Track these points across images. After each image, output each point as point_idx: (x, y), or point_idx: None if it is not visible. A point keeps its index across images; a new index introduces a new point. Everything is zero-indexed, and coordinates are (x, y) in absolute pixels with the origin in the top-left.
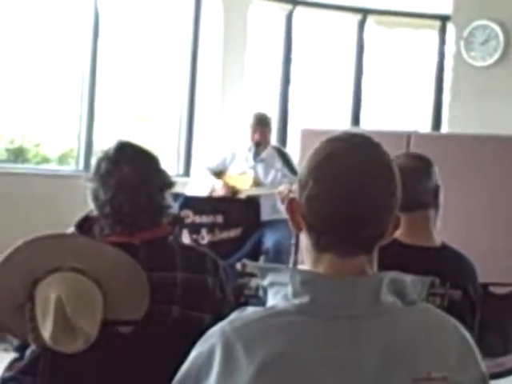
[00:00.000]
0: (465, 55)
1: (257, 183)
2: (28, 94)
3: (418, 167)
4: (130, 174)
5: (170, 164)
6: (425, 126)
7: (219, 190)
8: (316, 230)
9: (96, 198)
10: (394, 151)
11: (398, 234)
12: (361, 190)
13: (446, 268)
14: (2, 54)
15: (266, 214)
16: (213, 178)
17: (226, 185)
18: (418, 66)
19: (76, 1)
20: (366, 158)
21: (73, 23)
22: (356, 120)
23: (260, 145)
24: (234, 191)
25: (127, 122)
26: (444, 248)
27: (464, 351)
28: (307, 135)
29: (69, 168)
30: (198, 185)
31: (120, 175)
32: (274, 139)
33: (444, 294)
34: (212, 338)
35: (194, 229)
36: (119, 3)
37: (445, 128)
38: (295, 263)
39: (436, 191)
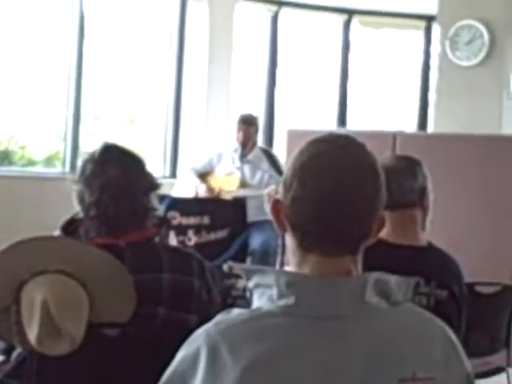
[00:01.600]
0: (450, 55)
1: (243, 184)
2: (13, 96)
3: (403, 167)
4: (116, 176)
5: (157, 166)
6: (411, 126)
7: (202, 194)
8: (300, 231)
9: (81, 200)
10: (380, 151)
11: (383, 233)
12: (345, 191)
13: (431, 268)
14: None
15: (252, 216)
16: (197, 182)
17: (209, 189)
18: (403, 66)
19: (61, 2)
20: (351, 158)
21: (58, 25)
22: (342, 120)
23: (246, 145)
24: (217, 195)
25: (113, 124)
26: (430, 248)
27: (449, 352)
28: (293, 136)
29: (55, 170)
30: (185, 186)
31: (105, 177)
32: (260, 140)
33: (430, 293)
34: (197, 340)
35: (181, 230)
36: (104, 4)
37: (431, 128)
38: (282, 264)
39: (422, 191)
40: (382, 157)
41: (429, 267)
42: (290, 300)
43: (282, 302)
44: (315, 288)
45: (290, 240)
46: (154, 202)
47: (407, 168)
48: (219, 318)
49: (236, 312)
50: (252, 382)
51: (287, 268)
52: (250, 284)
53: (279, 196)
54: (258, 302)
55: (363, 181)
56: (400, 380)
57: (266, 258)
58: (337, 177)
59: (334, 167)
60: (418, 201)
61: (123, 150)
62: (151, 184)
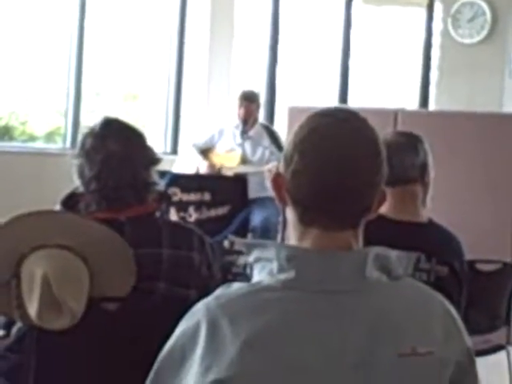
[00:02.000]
0: (452, 32)
1: (244, 161)
2: (14, 72)
3: (405, 143)
4: (116, 150)
5: (158, 142)
6: (412, 104)
7: (204, 171)
8: (301, 205)
9: (82, 175)
10: (381, 128)
11: (384, 209)
12: (346, 164)
13: (432, 244)
14: None
15: (253, 192)
16: (198, 158)
17: (211, 166)
18: (405, 44)
19: None
20: (352, 132)
21: (59, 0)
22: (343, 97)
23: (247, 122)
24: (218, 171)
25: (114, 100)
26: (431, 224)
27: (449, 326)
28: (294, 113)
29: (56, 146)
30: (186, 163)
31: (105, 151)
32: (261, 117)
33: (430, 269)
34: (197, 314)
35: (182, 206)
36: None
37: (432, 105)
38: (283, 240)
39: (423, 167)
40: (384, 133)
41: (430, 243)
42: (291, 274)
43: (283, 276)
44: (315, 262)
45: (290, 214)
46: (155, 176)
47: (409, 144)
48: (219, 292)
49: (236, 286)
50: (252, 355)
51: (288, 243)
52: (251, 258)
53: (280, 170)
54: (259, 275)
55: (364, 154)
56: (400, 354)
57: (266, 234)
58: (338, 150)
59: (334, 140)
60: (419, 177)
61: (123, 124)
62: (152, 158)
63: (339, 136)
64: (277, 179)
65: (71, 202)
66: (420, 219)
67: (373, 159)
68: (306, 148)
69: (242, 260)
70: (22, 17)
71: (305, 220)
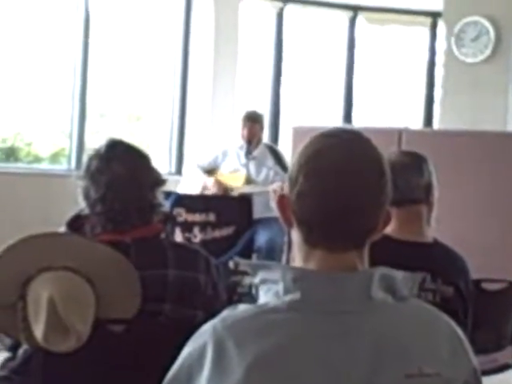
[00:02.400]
0: (456, 51)
1: (249, 181)
2: (20, 93)
3: (410, 163)
4: (121, 172)
5: (162, 162)
6: (416, 123)
7: (211, 187)
8: (306, 226)
9: (87, 196)
10: (385, 148)
11: (389, 229)
12: (351, 185)
13: (437, 264)
14: None
15: (258, 212)
16: (203, 178)
17: (218, 182)
18: (409, 63)
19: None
20: (356, 153)
21: (64, 22)
22: (348, 117)
23: (251, 142)
24: (225, 189)
25: (119, 121)
26: (436, 244)
27: (456, 347)
28: (299, 133)
29: (61, 167)
30: (190, 183)
31: (111, 173)
32: (265, 137)
33: (435, 289)
34: (203, 336)
35: (187, 227)
36: (110, 2)
37: (436, 124)
38: (288, 261)
39: (428, 188)
40: (388, 152)
41: (435, 263)
42: (296, 295)
43: (288, 298)
44: (321, 283)
45: (295, 235)
46: (160, 197)
47: (414, 164)
48: (225, 313)
49: (242, 307)
50: (258, 377)
51: (293, 264)
52: (256, 279)
53: (285, 191)
54: (265, 297)
55: (369, 175)
56: (407, 375)
57: (271, 255)
58: (342, 171)
59: (339, 161)
60: (424, 197)
61: (128, 145)
62: (157, 180)
63: (343, 157)
64: (282, 200)
65: (77, 223)
66: (425, 239)
67: (377, 180)
68: (310, 169)
69: (247, 280)
70: (26, 38)
71: (310, 241)
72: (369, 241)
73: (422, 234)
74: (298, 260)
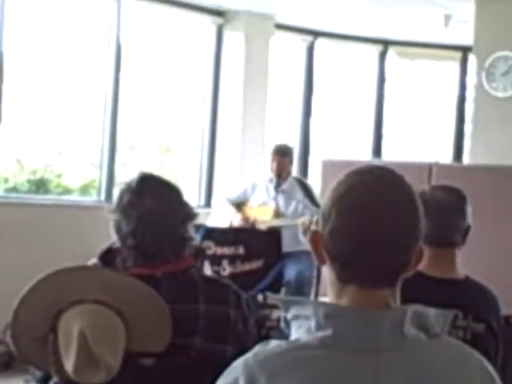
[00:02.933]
0: (486, 86)
1: (278, 214)
2: (50, 124)
3: (456, 205)
4: (153, 206)
5: (192, 195)
6: (446, 158)
7: (238, 224)
8: (339, 263)
9: (118, 230)
10: (415, 182)
11: (421, 266)
12: (384, 223)
13: (468, 301)
14: (24, 84)
15: (287, 246)
16: (232, 211)
17: (245, 219)
18: (439, 97)
19: (98, 30)
20: (390, 190)
21: (95, 53)
22: (377, 151)
23: (280, 175)
24: (252, 224)
25: (148, 153)
26: (467, 281)
27: None
28: (328, 166)
29: (91, 199)
30: (220, 216)
31: (142, 207)
32: (295, 170)
33: (466, 327)
34: (235, 371)
35: (216, 260)
36: (141, 34)
37: (466, 159)
38: (317, 295)
39: (467, 231)
40: (429, 186)
41: (466, 300)
42: (328, 332)
43: (320, 334)
44: (353, 320)
45: (328, 271)
46: (191, 231)
47: (459, 206)
48: (257, 348)
49: (274, 343)
50: None
51: (324, 299)
52: (289, 315)
53: (317, 227)
54: (296, 333)
55: (403, 212)
56: None
57: (300, 288)
58: (376, 208)
59: (373, 198)
60: (462, 240)
61: (160, 179)
62: (188, 214)
63: (377, 195)
64: (315, 236)
65: (109, 257)
66: (457, 276)
67: (411, 217)
68: (343, 206)
69: (275, 314)
70: (58, 68)
71: (342, 277)
72: (402, 278)
73: (454, 271)
74: (330, 296)
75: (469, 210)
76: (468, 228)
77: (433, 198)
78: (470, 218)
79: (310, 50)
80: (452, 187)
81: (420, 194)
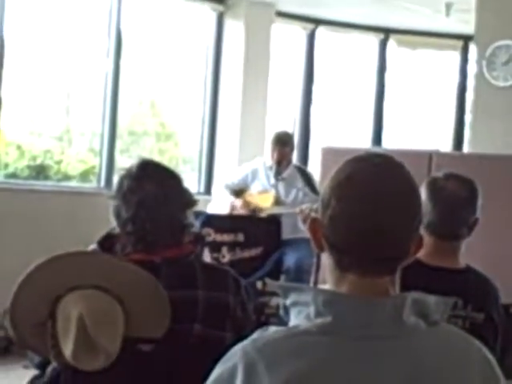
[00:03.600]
0: (487, 75)
1: (278, 202)
2: (50, 110)
3: (468, 198)
4: (153, 192)
5: (191, 182)
6: (446, 146)
7: (239, 209)
8: (338, 250)
9: (118, 216)
10: (415, 170)
11: (421, 254)
12: (384, 210)
13: (469, 290)
14: (24, 71)
15: (287, 233)
16: (232, 197)
17: (246, 203)
18: (439, 86)
19: (99, 20)
20: (389, 177)
21: (96, 42)
22: (377, 139)
23: (281, 164)
24: (253, 210)
25: (148, 140)
26: (468, 270)
27: (487, 372)
28: (328, 154)
29: (90, 185)
30: (219, 203)
31: (142, 193)
32: (295, 158)
33: (466, 316)
34: (234, 358)
35: (215, 247)
36: (142, 22)
37: (466, 148)
38: (316, 282)
39: (474, 224)
40: (444, 174)
41: (466, 290)
42: (328, 319)
43: (319, 321)
44: (352, 307)
45: (327, 259)
46: (191, 218)
47: (471, 199)
48: (256, 335)
49: (273, 329)
50: None
51: (323, 286)
52: (288, 302)
53: (317, 215)
54: (295, 319)
55: (402, 199)
56: None
57: (300, 276)
58: (376, 196)
59: (372, 186)
60: (467, 233)
61: (160, 166)
62: (188, 200)
63: (376, 182)
64: (314, 224)
65: (108, 242)
66: (457, 265)
67: (411, 205)
68: (343, 193)
69: (274, 301)
70: (57, 57)
71: (342, 265)
72: (401, 265)
73: (455, 261)
74: (329, 283)
75: (479, 203)
76: (475, 221)
77: (445, 188)
78: (478, 211)
79: (311, 38)
80: (465, 178)
81: (432, 181)
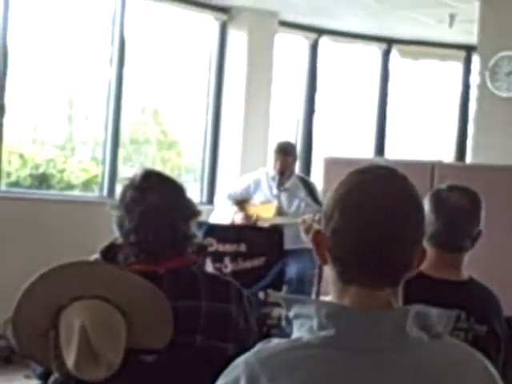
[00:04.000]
0: (490, 86)
1: (280, 212)
2: (53, 119)
3: (471, 210)
4: (156, 203)
5: (194, 192)
6: (449, 157)
7: (239, 222)
8: (341, 263)
9: (121, 226)
10: (418, 181)
11: (424, 266)
12: (387, 223)
13: (472, 303)
14: (28, 78)
15: (289, 244)
16: (234, 209)
17: (247, 217)
18: (442, 96)
19: (102, 28)
20: (392, 190)
21: (99, 50)
22: (380, 149)
23: (284, 174)
24: (254, 223)
25: (151, 150)
26: (470, 282)
27: None
28: (330, 164)
29: (93, 194)
30: (222, 213)
31: (145, 204)
32: (298, 168)
33: (468, 328)
34: (236, 370)
35: (217, 257)
36: (145, 31)
37: (469, 159)
38: (318, 293)
39: (478, 236)
40: (448, 186)
41: (469, 302)
42: (330, 331)
43: (322, 333)
44: (355, 320)
45: (330, 271)
46: (194, 228)
47: (474, 211)
48: (259, 347)
49: (276, 342)
50: None
51: (325, 298)
52: (290, 314)
53: (320, 226)
54: (298, 332)
55: (405, 212)
56: None
57: (302, 286)
58: (378, 208)
59: (375, 198)
60: (471, 245)
61: (163, 176)
62: (191, 211)
63: (379, 195)
64: (317, 236)
65: (110, 253)
66: (460, 277)
67: (414, 217)
68: (346, 205)
69: (276, 312)
70: (61, 65)
71: (344, 277)
72: (404, 278)
73: (458, 273)
74: (332, 296)
75: (482, 214)
76: (479, 233)
77: (448, 200)
78: (482, 223)
79: (314, 47)
80: (469, 190)
81: (435, 193)
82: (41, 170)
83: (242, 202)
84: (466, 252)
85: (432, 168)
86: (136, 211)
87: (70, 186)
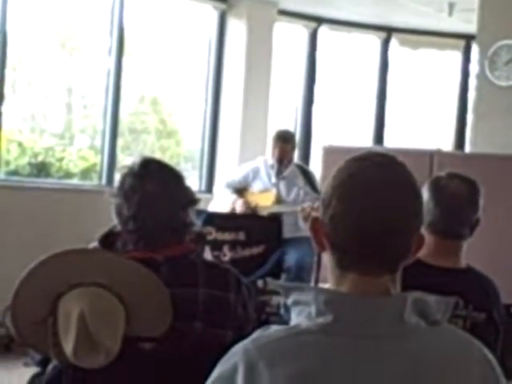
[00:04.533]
0: (489, 75)
1: (279, 201)
2: (52, 108)
3: (470, 198)
4: (154, 190)
5: (193, 180)
6: (447, 146)
7: (239, 208)
8: (339, 250)
9: (119, 214)
10: (417, 170)
11: (422, 254)
12: (385, 210)
13: (470, 290)
14: (26, 66)
15: (287, 232)
16: (234, 196)
17: (247, 203)
18: (441, 85)
19: (101, 17)
20: (390, 177)
21: (98, 39)
22: (379, 138)
23: (282, 162)
24: (253, 209)
25: (150, 138)
26: (469, 270)
27: (488, 373)
28: (329, 152)
29: (91, 183)
30: (221, 201)
31: (144, 192)
32: (296, 157)
33: (466, 316)
34: (235, 357)
35: (216, 245)
36: (144, 20)
37: (468, 147)
38: (317, 281)
39: (476, 223)
40: (447, 174)
41: (467, 290)
42: (328, 318)
43: (320, 320)
44: (353, 307)
45: (328, 258)
46: (193, 216)
47: (472, 198)
48: (257, 334)
49: (274, 329)
50: None
51: (324, 285)
52: (289, 301)
53: (318, 214)
54: (297, 319)
55: (403, 199)
56: None
57: (301, 274)
58: (376, 195)
59: (373, 185)
60: (470, 233)
61: (162, 164)
62: (190, 199)
63: (378, 181)
64: (315, 223)
65: (109, 240)
66: (458, 265)
67: (412, 204)
68: (344, 193)
69: (275, 300)
70: (59, 53)
71: (343, 264)
72: (402, 265)
73: (456, 261)
74: (330, 283)
75: (481, 202)
76: (477, 221)
77: (448, 188)
78: (480, 211)
79: (313, 36)
80: (468, 178)
81: (434, 181)
82: (40, 159)
83: (240, 191)
84: (464, 240)
85: (431, 156)
86: (134, 199)
87: (69, 175)
